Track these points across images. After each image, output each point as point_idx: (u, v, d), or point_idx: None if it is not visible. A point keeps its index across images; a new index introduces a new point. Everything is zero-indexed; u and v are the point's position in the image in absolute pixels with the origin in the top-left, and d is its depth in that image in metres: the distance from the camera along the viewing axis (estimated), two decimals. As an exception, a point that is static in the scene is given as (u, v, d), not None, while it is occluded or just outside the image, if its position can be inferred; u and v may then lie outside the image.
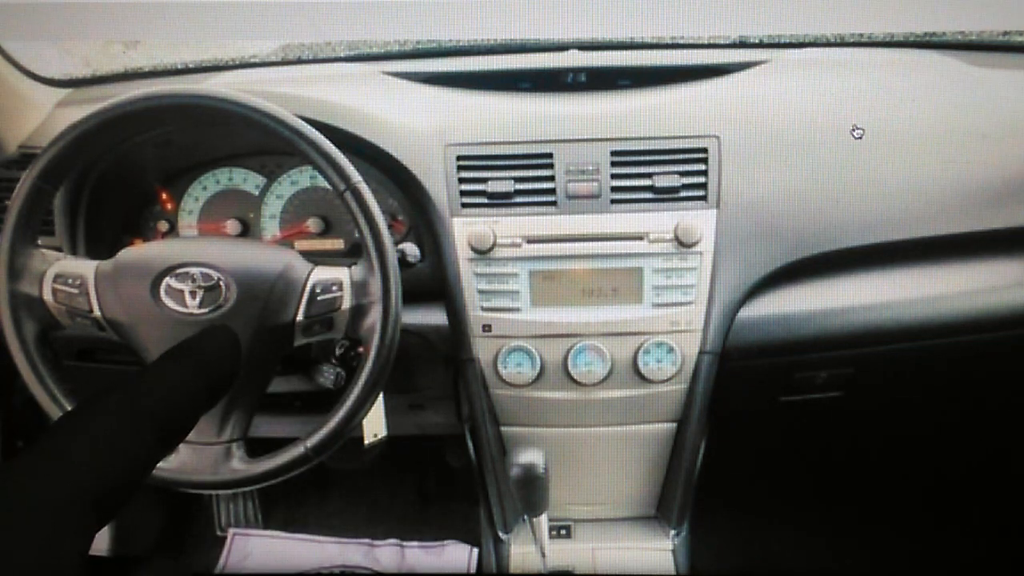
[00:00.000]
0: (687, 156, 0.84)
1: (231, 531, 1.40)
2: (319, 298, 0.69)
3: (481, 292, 0.84)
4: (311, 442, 0.67)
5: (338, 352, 0.86)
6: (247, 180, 0.95)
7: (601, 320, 0.84)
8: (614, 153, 0.84)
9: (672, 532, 0.96)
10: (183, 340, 0.48)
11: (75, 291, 0.68)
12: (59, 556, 0.26)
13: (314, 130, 0.68)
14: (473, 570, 1.30)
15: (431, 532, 1.37)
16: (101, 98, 0.68)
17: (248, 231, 0.95)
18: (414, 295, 0.85)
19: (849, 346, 0.88)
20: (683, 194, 0.84)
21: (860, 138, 0.84)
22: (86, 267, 0.69)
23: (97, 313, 0.68)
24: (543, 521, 0.85)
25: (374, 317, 0.68)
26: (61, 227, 0.88)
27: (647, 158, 0.84)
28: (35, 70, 0.95)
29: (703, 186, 0.84)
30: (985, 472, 1.25)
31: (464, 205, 0.84)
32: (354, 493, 1.43)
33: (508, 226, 0.83)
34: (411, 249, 0.90)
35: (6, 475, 0.28)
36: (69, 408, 0.67)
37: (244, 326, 0.65)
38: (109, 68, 1.02)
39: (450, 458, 1.38)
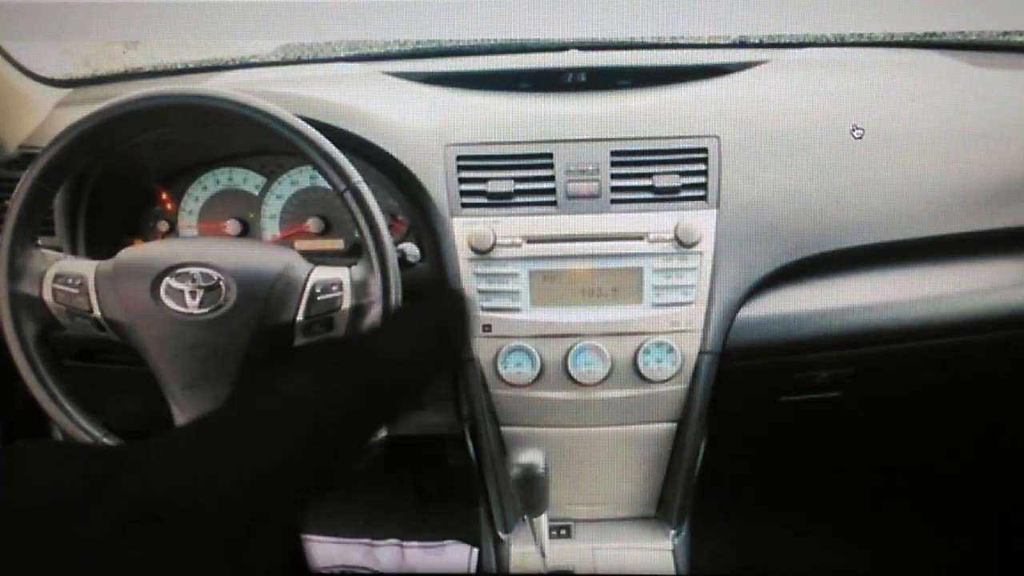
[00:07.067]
0: (687, 156, 0.84)
1: (231, 531, 1.39)
2: (319, 298, 0.69)
3: (481, 292, 0.84)
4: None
5: (338, 352, 0.86)
6: (247, 180, 0.95)
7: (601, 320, 0.84)
8: (614, 153, 0.84)
9: (672, 532, 0.96)
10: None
11: (75, 291, 0.68)
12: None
13: (314, 130, 0.68)
14: (473, 570, 1.30)
15: (431, 532, 1.37)
16: (101, 98, 0.68)
17: (248, 231, 0.95)
18: (414, 295, 0.85)
19: (849, 346, 0.88)
20: (683, 194, 0.84)
21: (860, 138, 0.84)
22: (86, 267, 0.69)
23: (97, 313, 0.68)
24: (543, 521, 0.85)
25: (374, 317, 0.68)
26: (61, 227, 0.88)
27: (647, 158, 0.84)
28: (35, 70, 0.95)
29: (703, 186, 0.84)
30: (985, 472, 1.25)
31: (464, 205, 0.84)
32: (354, 493, 1.43)
33: (508, 226, 0.83)
34: (411, 249, 0.89)
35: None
36: (69, 408, 0.68)
37: (244, 326, 0.65)
38: (109, 68, 1.02)
39: (450, 458, 1.38)
